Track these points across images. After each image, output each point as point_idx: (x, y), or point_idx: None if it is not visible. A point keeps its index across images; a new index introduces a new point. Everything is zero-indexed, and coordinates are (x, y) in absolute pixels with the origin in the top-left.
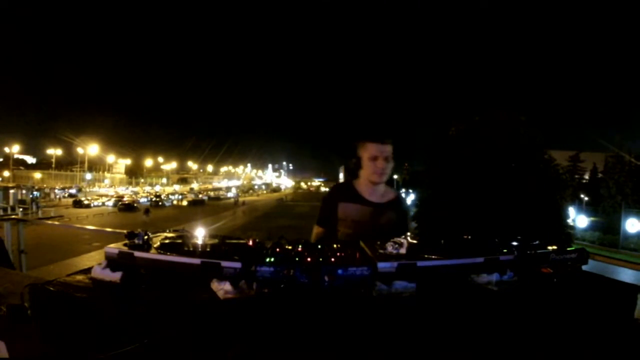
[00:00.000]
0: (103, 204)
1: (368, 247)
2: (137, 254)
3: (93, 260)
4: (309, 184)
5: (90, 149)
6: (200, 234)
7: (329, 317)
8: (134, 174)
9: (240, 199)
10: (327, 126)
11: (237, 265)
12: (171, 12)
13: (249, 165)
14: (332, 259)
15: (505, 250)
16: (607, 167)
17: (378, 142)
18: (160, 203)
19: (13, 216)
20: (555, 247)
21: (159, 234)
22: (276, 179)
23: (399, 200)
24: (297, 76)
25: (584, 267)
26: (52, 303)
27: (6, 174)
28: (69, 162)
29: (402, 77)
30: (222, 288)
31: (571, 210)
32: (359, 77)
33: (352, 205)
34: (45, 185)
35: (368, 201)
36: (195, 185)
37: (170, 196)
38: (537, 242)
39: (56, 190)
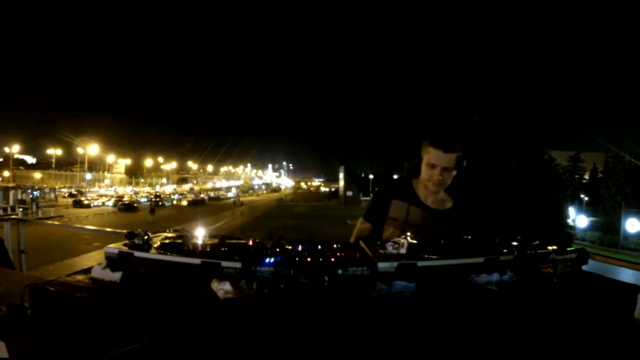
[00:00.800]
0: (103, 204)
1: (368, 247)
2: (137, 254)
3: (93, 260)
4: (309, 184)
5: (90, 149)
6: (200, 234)
7: (329, 317)
8: (134, 174)
9: (239, 199)
10: (327, 126)
11: (237, 265)
12: (171, 12)
13: (249, 165)
14: (332, 259)
15: (505, 250)
16: (607, 167)
17: (440, 149)
18: (160, 203)
19: (13, 216)
20: (555, 247)
21: (159, 234)
22: (276, 179)
23: (458, 210)
24: (298, 75)
25: (584, 267)
26: (52, 303)
27: (6, 174)
28: (69, 162)
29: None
30: (222, 288)
31: (571, 210)
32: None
33: (406, 206)
34: (45, 185)
35: (424, 205)
36: (192, 186)
37: (172, 196)
38: (537, 242)
39: (46, 190)
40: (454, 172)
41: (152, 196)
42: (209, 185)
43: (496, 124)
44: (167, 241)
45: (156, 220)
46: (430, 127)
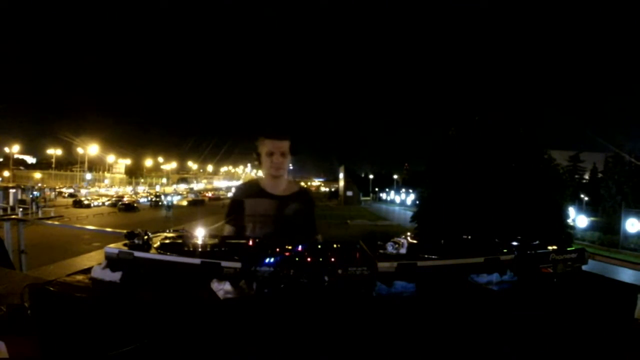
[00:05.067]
0: (103, 204)
1: (368, 247)
2: (137, 254)
3: (93, 260)
4: (309, 184)
5: (90, 149)
6: (200, 234)
7: (329, 317)
8: (134, 174)
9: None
10: (327, 126)
11: (237, 265)
12: (171, 13)
13: (249, 165)
14: (332, 259)
15: (505, 250)
16: (607, 167)
17: (273, 139)
18: (160, 203)
19: (13, 216)
20: (555, 247)
21: (159, 234)
22: None
23: (304, 193)
24: (298, 74)
25: (584, 267)
26: (52, 303)
27: (6, 174)
28: (69, 162)
29: (392, 78)
30: (222, 288)
31: (571, 210)
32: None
33: (258, 200)
34: (45, 185)
35: (272, 195)
36: (192, 186)
37: (174, 197)
38: (537, 242)
39: (46, 190)
40: (288, 158)
41: (152, 196)
42: (203, 186)
43: (496, 123)
44: (167, 241)
45: (173, 217)
46: (261, 124)
